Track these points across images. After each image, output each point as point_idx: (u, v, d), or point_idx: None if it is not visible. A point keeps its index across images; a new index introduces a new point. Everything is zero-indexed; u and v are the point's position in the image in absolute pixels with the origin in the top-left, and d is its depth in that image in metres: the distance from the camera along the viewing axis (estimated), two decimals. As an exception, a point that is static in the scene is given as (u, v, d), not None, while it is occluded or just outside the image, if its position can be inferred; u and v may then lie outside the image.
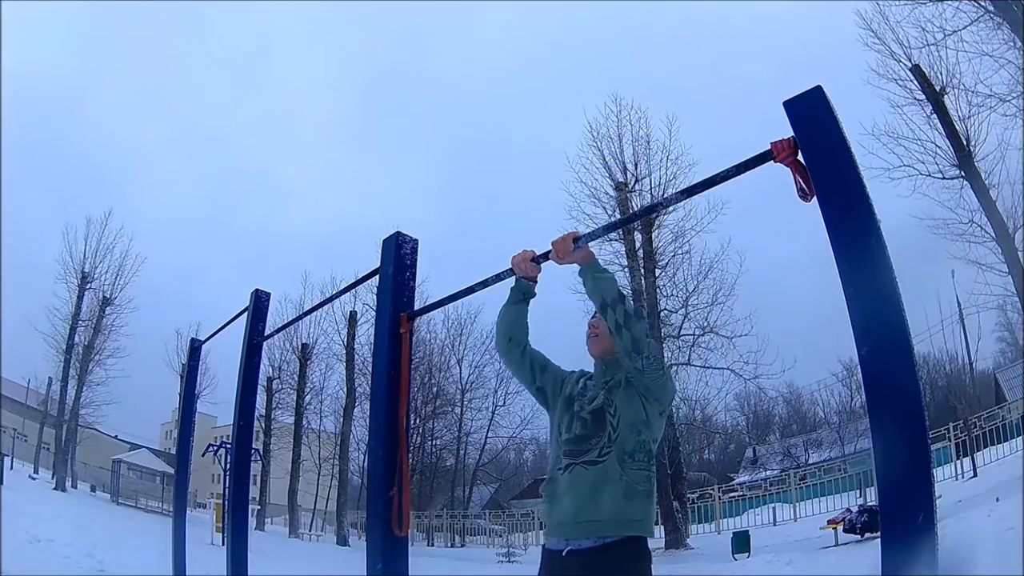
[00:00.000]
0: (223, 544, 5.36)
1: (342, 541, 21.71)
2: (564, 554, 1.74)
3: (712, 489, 20.75)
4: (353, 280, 3.31)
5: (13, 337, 21.04)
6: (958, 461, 14.38)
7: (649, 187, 16.31)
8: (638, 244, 16.04)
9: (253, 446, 7.93)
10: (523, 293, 2.04)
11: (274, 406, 24.16)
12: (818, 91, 1.47)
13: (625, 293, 1.80)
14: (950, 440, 14.97)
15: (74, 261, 21.38)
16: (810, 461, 27.77)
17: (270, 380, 23.62)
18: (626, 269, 15.77)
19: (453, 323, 26.63)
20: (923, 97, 12.33)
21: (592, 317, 2.01)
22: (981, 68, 11.74)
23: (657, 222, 15.72)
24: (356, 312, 23.11)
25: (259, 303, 3.65)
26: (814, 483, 18.80)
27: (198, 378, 6.28)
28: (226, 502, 6.74)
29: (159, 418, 41.00)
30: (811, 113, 1.47)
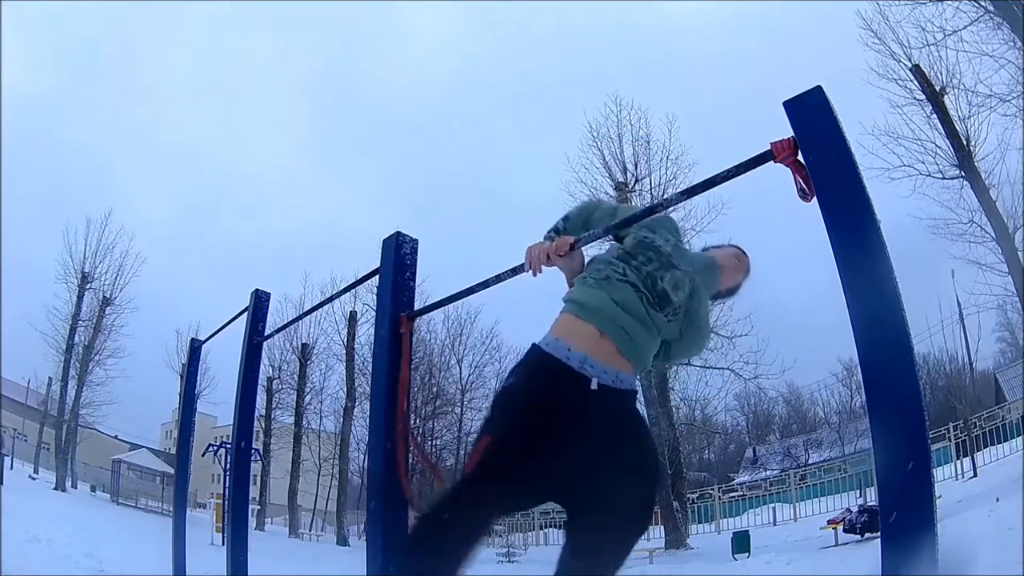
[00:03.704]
0: (223, 544, 5.36)
1: (342, 541, 21.71)
2: (594, 389, 1.56)
3: (712, 489, 20.76)
4: (353, 280, 3.31)
5: (13, 337, 21.07)
6: (958, 461, 14.38)
7: (649, 187, 16.32)
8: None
9: (253, 446, 7.93)
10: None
11: (274, 406, 24.15)
12: (818, 91, 1.47)
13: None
14: (950, 440, 14.97)
15: (74, 261, 21.37)
16: (810, 461, 27.76)
17: (270, 380, 23.61)
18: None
19: (453, 323, 26.65)
20: (923, 97, 12.33)
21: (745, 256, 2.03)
22: (981, 68, 11.76)
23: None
24: (356, 312, 23.11)
25: (259, 303, 3.65)
26: (814, 483, 18.82)
27: (198, 378, 6.27)
28: (226, 502, 6.74)
29: (159, 418, 40.95)
30: (811, 113, 1.47)
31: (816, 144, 1.46)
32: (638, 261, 1.74)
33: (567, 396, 1.55)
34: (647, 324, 1.67)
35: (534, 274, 1.86)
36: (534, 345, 1.67)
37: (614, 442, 1.56)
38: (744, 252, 2.06)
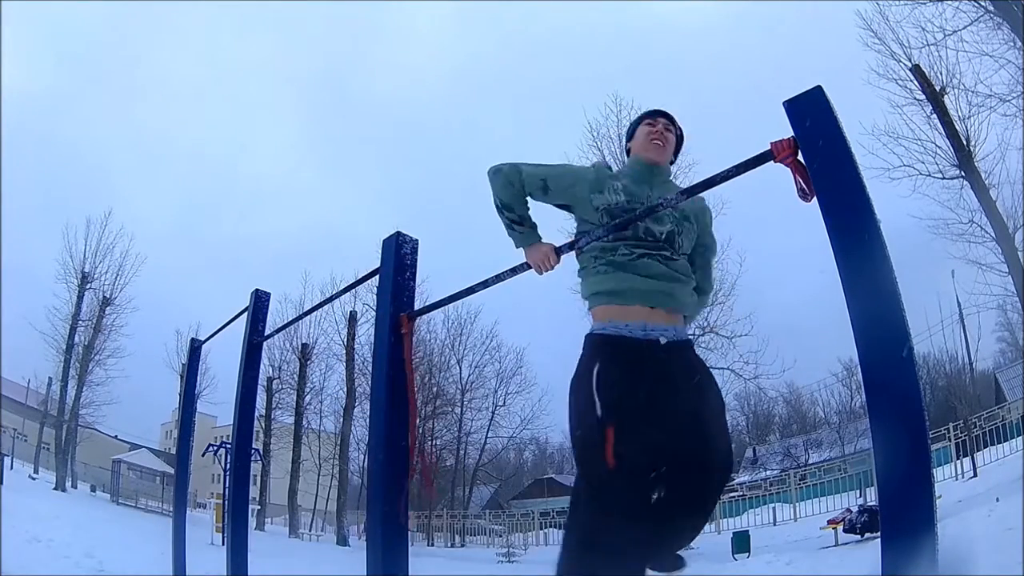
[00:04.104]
0: (223, 544, 5.35)
1: (342, 541, 21.71)
2: (664, 344, 1.68)
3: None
4: (353, 280, 3.31)
5: (13, 337, 21.07)
6: (958, 461, 14.36)
7: (649, 187, 16.29)
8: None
9: (253, 446, 7.93)
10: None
11: (274, 406, 24.12)
12: (818, 91, 1.47)
13: None
14: (950, 440, 14.96)
15: (74, 261, 21.34)
16: (810, 461, 27.75)
17: (270, 380, 23.59)
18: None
19: (453, 323, 26.64)
20: (923, 97, 12.30)
21: (651, 117, 1.99)
22: (981, 68, 11.73)
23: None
24: (356, 312, 23.11)
25: (259, 303, 3.65)
26: (814, 483, 18.79)
27: (198, 378, 6.28)
28: (226, 502, 6.74)
29: (159, 418, 40.96)
30: (811, 113, 1.47)
31: (816, 144, 1.46)
32: (628, 231, 1.79)
33: (646, 361, 1.65)
34: (677, 278, 1.78)
35: (540, 272, 1.92)
36: (591, 335, 1.75)
37: (698, 387, 1.68)
38: (652, 120, 2.00)
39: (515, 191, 1.89)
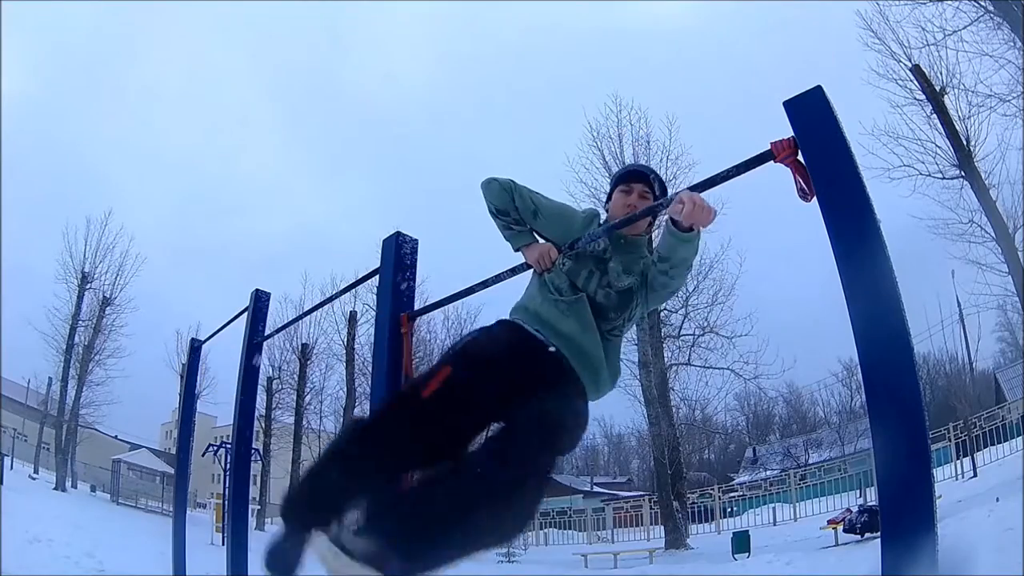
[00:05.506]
0: (223, 544, 5.36)
1: (342, 541, 21.67)
2: (551, 349, 1.72)
3: (712, 489, 20.75)
4: (353, 280, 3.31)
5: (13, 337, 21.06)
6: (958, 461, 14.37)
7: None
8: (638, 244, 16.05)
9: (253, 446, 7.93)
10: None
11: (274, 406, 24.08)
12: (818, 91, 1.47)
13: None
14: (950, 440, 14.96)
15: (74, 261, 21.32)
16: (810, 461, 27.75)
17: (270, 380, 23.57)
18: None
19: (453, 323, 26.58)
20: (923, 97, 12.30)
21: (626, 183, 1.94)
22: (981, 68, 11.73)
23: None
24: (356, 312, 23.09)
25: (259, 303, 3.65)
26: (814, 483, 18.80)
27: (198, 378, 6.29)
28: (226, 502, 6.74)
29: (159, 418, 40.86)
30: (811, 113, 1.47)
31: (816, 144, 1.46)
32: (583, 277, 1.81)
33: (526, 349, 1.72)
34: (597, 339, 1.78)
35: (540, 270, 1.93)
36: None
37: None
38: (627, 187, 1.93)
39: (509, 199, 1.93)
